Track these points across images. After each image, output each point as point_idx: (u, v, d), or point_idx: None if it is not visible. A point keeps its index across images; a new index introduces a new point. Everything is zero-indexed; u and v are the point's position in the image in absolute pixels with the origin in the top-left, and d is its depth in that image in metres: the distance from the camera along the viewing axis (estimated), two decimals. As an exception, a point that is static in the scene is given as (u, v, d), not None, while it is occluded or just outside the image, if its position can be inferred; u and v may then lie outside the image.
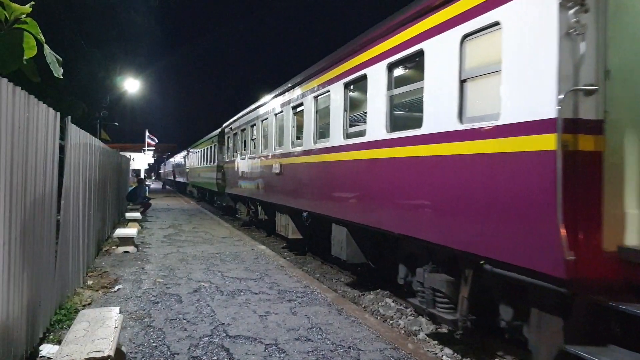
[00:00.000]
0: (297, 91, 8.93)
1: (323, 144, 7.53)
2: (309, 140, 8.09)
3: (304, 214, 9.07)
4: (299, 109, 8.87)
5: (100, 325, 3.42)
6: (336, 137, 6.95)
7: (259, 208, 12.81)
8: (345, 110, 6.82)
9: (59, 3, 10.61)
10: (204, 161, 25.04)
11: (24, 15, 2.76)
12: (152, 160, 45.52)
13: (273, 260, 8.61)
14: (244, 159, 13.72)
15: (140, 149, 37.90)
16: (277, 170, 9.73)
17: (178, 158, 44.83)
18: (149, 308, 5.41)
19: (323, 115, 7.86)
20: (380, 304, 6.54)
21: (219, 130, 19.65)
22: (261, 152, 11.57)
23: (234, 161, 15.21)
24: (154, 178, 77.28)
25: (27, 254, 3.62)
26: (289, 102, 9.39)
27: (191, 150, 32.57)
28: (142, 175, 33.71)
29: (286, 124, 9.44)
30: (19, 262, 3.42)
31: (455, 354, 4.74)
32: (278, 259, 8.88)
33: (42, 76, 3.10)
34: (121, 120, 26.94)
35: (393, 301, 6.59)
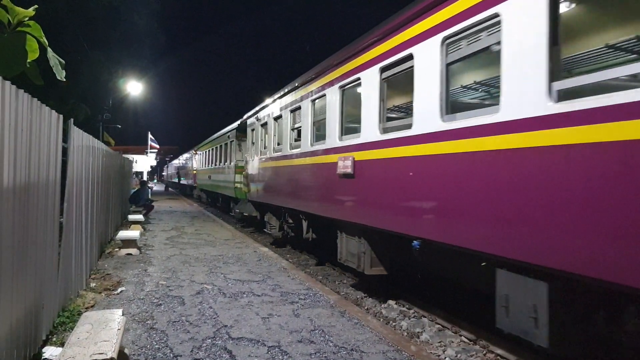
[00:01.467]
0: (392, 42, 5.66)
1: (466, 121, 4.32)
2: (426, 119, 4.93)
3: (415, 242, 5.92)
4: (397, 70, 5.71)
5: (103, 328, 3.42)
6: (515, 103, 3.69)
7: (305, 223, 9.49)
8: (554, 44, 3.42)
9: (62, 6, 10.66)
10: (216, 161, 21.49)
11: (27, 19, 2.78)
12: (154, 163, 45.59)
13: (275, 262, 8.61)
14: (278, 156, 10.42)
15: (142, 151, 38.00)
16: (347, 170, 6.62)
17: (183, 159, 43.82)
18: (152, 310, 5.41)
19: (460, 71, 5.14)
20: (383, 305, 6.53)
21: (238, 122, 16.34)
22: (312, 145, 8.35)
23: (262, 159, 11.98)
24: (156, 180, 77.45)
25: (30, 256, 3.63)
26: (371, 63, 6.18)
27: (199, 149, 28.87)
28: (145, 178, 33.80)
29: (365, 99, 6.34)
30: (22, 265, 3.43)
31: (458, 356, 4.73)
32: (280, 261, 8.88)
33: (45, 79, 3.12)
34: (124, 123, 27.06)
35: (396, 303, 6.58)
